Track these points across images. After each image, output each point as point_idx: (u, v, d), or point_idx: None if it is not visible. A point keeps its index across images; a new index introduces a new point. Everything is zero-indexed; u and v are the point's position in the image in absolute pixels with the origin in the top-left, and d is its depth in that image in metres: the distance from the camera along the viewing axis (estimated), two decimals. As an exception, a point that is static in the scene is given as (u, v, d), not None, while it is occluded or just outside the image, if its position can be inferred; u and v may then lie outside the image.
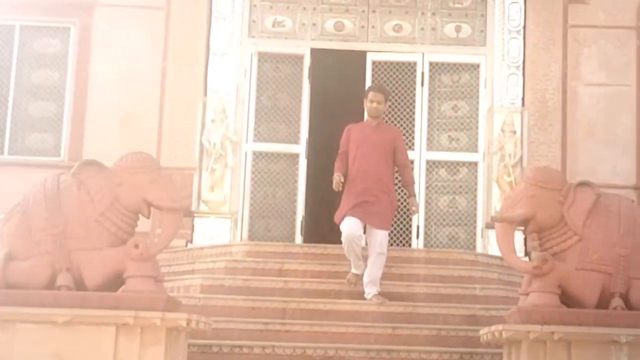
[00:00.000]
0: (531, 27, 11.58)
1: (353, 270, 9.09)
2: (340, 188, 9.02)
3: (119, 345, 6.70)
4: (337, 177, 9.01)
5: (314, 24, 11.83)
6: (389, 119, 11.56)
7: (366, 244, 9.07)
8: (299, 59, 11.71)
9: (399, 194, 9.71)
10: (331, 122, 11.92)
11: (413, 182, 9.38)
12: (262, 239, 11.14)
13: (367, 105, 9.31)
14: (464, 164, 11.58)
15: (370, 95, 9.28)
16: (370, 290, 8.89)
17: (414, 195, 9.27)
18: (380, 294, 8.91)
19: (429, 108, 11.63)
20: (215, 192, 11.17)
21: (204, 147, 11.22)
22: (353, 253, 8.94)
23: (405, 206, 11.30)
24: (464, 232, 11.44)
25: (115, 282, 7.00)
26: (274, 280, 9.40)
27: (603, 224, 7.06)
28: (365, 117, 9.66)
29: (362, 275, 8.98)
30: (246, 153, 11.45)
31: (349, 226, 8.88)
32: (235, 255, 10.07)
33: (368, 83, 11.59)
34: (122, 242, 7.03)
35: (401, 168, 9.29)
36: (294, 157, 11.54)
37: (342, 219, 8.98)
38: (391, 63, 11.70)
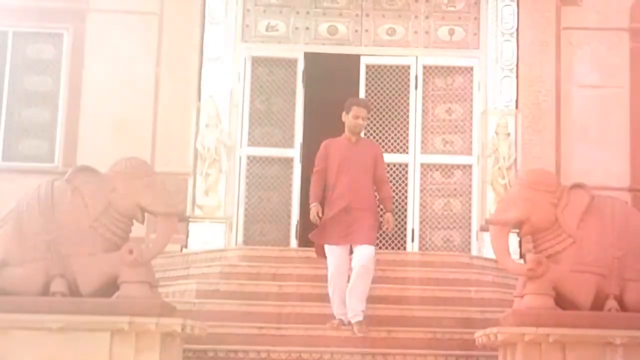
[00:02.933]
0: (524, 30, 11.59)
1: (337, 317, 8.47)
2: (319, 221, 8.55)
3: (114, 351, 6.70)
4: (315, 210, 8.55)
5: (307, 28, 11.83)
6: (384, 122, 11.58)
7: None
8: (292, 63, 11.73)
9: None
10: (325, 126, 11.88)
11: (391, 198, 8.87)
12: (257, 244, 11.13)
13: (349, 120, 8.70)
14: (458, 166, 11.59)
15: (355, 110, 8.67)
16: (354, 311, 8.34)
17: (391, 211, 8.73)
18: (365, 320, 8.38)
19: (423, 111, 11.64)
20: (210, 197, 11.17)
21: (198, 152, 11.21)
22: (339, 296, 8.40)
23: (399, 211, 11.33)
24: (459, 235, 11.45)
25: (110, 287, 6.99)
26: (269, 284, 9.39)
27: (597, 226, 7.07)
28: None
29: (347, 320, 8.41)
30: (240, 157, 11.45)
31: (335, 262, 8.41)
32: (230, 260, 10.06)
33: (362, 87, 11.62)
34: (116, 247, 7.04)
35: (380, 184, 8.73)
36: (289, 161, 11.54)
37: (323, 240, 8.50)
38: (385, 66, 11.71)
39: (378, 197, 8.82)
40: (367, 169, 8.63)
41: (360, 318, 8.36)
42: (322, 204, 8.71)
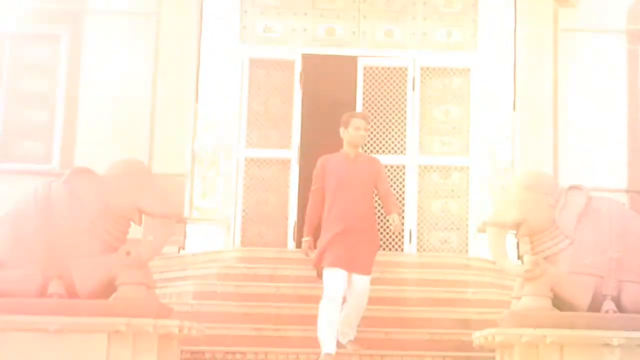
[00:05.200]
0: (522, 31, 11.61)
1: (324, 351, 7.86)
2: (309, 255, 8.24)
3: (111, 353, 6.70)
4: (306, 245, 8.25)
5: (305, 30, 11.84)
6: (381, 124, 11.58)
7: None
8: (290, 64, 11.72)
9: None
10: (323, 127, 11.92)
11: (397, 206, 8.45)
12: (254, 245, 11.13)
13: (350, 133, 8.35)
14: (455, 168, 11.60)
15: (355, 122, 8.34)
16: (345, 334, 8.14)
17: (398, 213, 8.29)
18: (357, 340, 8.21)
19: (421, 113, 11.64)
20: (208, 199, 11.17)
21: (195, 153, 11.22)
22: (328, 321, 7.88)
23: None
24: (456, 236, 11.45)
25: (107, 289, 6.99)
26: (267, 286, 9.39)
27: (594, 228, 7.08)
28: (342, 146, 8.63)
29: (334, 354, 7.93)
30: (238, 159, 11.45)
31: (334, 285, 7.93)
32: (227, 262, 10.07)
33: (359, 88, 11.62)
34: (113, 249, 7.04)
35: (384, 198, 8.35)
36: (286, 162, 11.54)
37: (322, 263, 8.07)
38: (382, 68, 11.71)
39: (383, 209, 8.48)
40: (366, 187, 8.24)
41: (352, 338, 8.18)
42: (318, 227, 8.33)
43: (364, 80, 11.67)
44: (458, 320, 8.85)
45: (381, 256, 9.22)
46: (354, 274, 8.07)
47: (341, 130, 8.46)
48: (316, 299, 8.92)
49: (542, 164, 11.09)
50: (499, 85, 11.52)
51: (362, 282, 8.08)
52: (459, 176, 11.58)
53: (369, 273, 8.15)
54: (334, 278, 7.99)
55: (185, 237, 11.07)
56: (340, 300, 8.01)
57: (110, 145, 11.08)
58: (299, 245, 11.04)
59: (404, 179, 11.49)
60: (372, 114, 11.55)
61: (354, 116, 8.51)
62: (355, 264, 8.05)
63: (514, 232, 7.46)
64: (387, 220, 8.45)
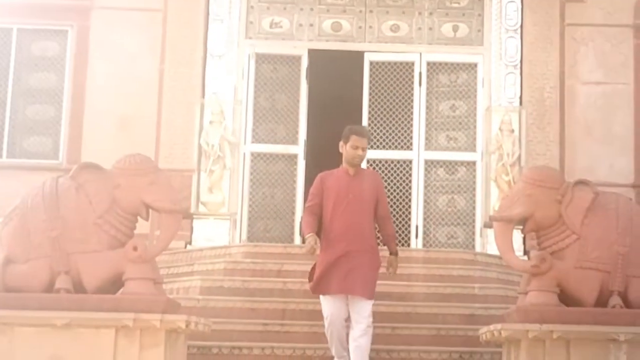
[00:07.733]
0: (528, 26, 11.59)
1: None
2: (315, 253, 7.57)
3: (119, 348, 6.71)
4: (311, 241, 7.49)
5: (311, 25, 11.84)
6: (387, 119, 11.58)
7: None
8: (296, 59, 11.74)
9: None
10: (329, 122, 11.91)
11: (395, 237, 7.93)
12: (261, 240, 11.15)
13: (347, 150, 7.72)
14: (462, 163, 11.60)
15: (354, 140, 7.69)
16: None
17: (396, 253, 7.85)
18: None
19: (427, 108, 11.65)
20: (214, 194, 11.18)
21: (202, 148, 11.23)
22: (337, 340, 7.64)
23: (403, 208, 11.33)
24: (463, 232, 11.45)
25: (114, 284, 7.00)
26: (274, 281, 9.40)
27: (601, 223, 7.06)
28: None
29: None
30: (244, 154, 11.47)
31: (332, 310, 7.59)
32: (234, 257, 10.07)
33: (366, 83, 11.63)
34: (120, 244, 7.04)
35: (382, 221, 7.80)
36: (293, 157, 11.55)
37: (320, 290, 7.69)
38: (389, 63, 11.72)
39: (380, 235, 7.90)
40: (367, 205, 7.70)
41: None
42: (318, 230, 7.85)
43: (370, 75, 11.68)
44: (464, 316, 8.85)
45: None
46: (355, 298, 7.57)
47: (340, 144, 7.85)
48: (323, 294, 8.94)
49: (548, 159, 11.09)
50: (505, 80, 11.50)
51: (365, 306, 7.54)
52: (466, 171, 11.58)
53: (370, 297, 7.59)
54: (332, 304, 7.65)
55: (191, 232, 11.09)
56: (342, 320, 7.67)
57: (116, 140, 11.10)
58: (305, 241, 11.03)
59: (410, 174, 11.50)
60: (379, 109, 11.57)
61: (354, 132, 7.80)
62: (355, 287, 7.55)
63: (521, 227, 7.45)
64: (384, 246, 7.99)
